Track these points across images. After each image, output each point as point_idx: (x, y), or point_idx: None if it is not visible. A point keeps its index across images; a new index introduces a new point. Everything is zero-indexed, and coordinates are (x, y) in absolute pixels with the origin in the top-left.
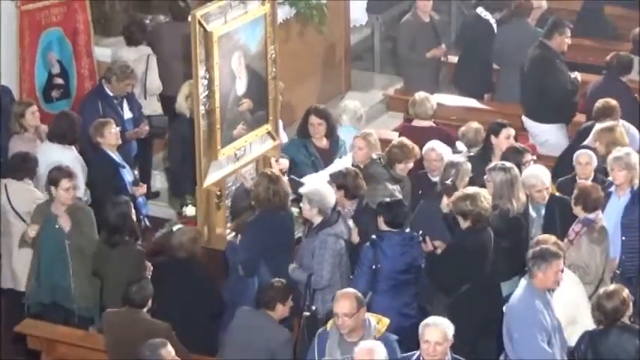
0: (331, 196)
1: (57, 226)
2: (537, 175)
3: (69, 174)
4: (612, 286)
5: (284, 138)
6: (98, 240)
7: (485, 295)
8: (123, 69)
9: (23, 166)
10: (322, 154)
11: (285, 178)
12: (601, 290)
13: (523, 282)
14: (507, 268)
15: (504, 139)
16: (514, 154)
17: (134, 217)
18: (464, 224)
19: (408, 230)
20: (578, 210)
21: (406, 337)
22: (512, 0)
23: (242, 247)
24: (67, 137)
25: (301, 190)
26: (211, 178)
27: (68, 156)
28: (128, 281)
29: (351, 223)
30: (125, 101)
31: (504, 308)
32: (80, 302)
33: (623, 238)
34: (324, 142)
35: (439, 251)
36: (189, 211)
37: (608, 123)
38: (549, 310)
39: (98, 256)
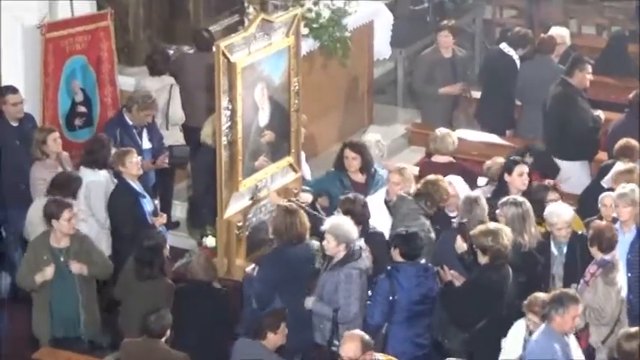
0: (354, 230)
1: (62, 259)
2: (559, 214)
3: (69, 204)
4: (633, 329)
5: (306, 170)
6: (126, 269)
7: (501, 332)
8: (144, 99)
9: (67, 186)
10: (357, 188)
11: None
12: (621, 331)
13: (542, 326)
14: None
15: (517, 176)
16: (539, 191)
17: (167, 252)
18: (482, 259)
19: (423, 261)
20: (594, 251)
21: None
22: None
23: (257, 280)
24: (99, 161)
25: (324, 227)
26: (232, 209)
27: (101, 179)
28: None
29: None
30: (145, 131)
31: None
32: (89, 330)
33: (629, 274)
34: (359, 176)
35: (456, 282)
36: (210, 241)
37: (627, 165)
38: (568, 352)
39: (125, 285)
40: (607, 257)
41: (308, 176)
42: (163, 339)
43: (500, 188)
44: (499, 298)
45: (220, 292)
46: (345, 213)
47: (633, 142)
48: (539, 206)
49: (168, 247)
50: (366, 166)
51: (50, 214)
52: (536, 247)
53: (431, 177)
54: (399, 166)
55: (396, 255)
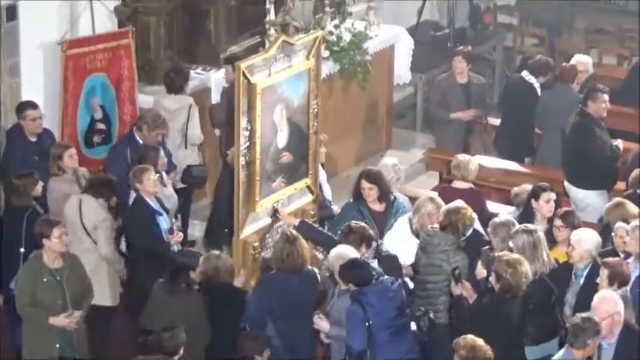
0: (352, 251)
1: (58, 279)
2: (578, 239)
3: (57, 222)
4: None
5: (327, 191)
6: (155, 292)
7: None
8: (155, 118)
9: (102, 186)
10: (377, 218)
11: None
12: None
13: (562, 351)
14: (534, 332)
15: (544, 203)
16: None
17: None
18: (495, 285)
19: (385, 277)
20: (604, 284)
21: None
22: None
23: (250, 303)
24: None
25: (325, 262)
26: (249, 229)
27: None
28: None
29: None
30: None
31: None
32: (82, 350)
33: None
34: (378, 205)
35: (466, 297)
36: None
37: (616, 199)
38: None
39: (155, 303)
40: (619, 292)
41: (329, 196)
42: (177, 357)
43: (526, 214)
44: (503, 329)
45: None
46: (349, 242)
47: None
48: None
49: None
50: (384, 195)
51: (40, 234)
52: (548, 274)
53: (451, 206)
54: (431, 195)
55: (352, 287)
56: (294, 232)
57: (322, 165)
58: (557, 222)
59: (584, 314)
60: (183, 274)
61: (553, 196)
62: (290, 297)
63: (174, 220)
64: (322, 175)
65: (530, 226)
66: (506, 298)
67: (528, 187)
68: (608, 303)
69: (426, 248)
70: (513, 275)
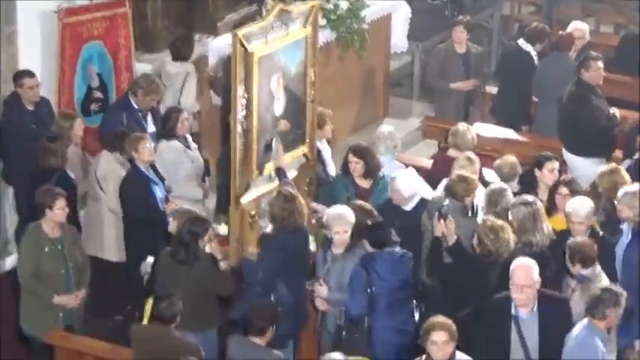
0: (349, 213)
1: (59, 247)
2: (574, 207)
3: (61, 193)
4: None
5: (331, 167)
6: (163, 256)
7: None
8: (149, 83)
9: (117, 140)
10: (361, 193)
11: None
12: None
13: (584, 322)
14: None
15: (548, 173)
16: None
17: (207, 238)
18: (476, 248)
19: (397, 249)
20: (575, 268)
21: (405, 353)
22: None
23: (260, 265)
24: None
25: (328, 221)
26: (246, 197)
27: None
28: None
29: None
30: (150, 115)
31: (565, 350)
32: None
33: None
34: (364, 182)
35: (450, 237)
36: (222, 229)
37: (610, 166)
38: (610, 348)
39: (162, 272)
40: (585, 272)
41: (332, 173)
42: (173, 325)
43: (529, 183)
44: (475, 291)
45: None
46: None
47: None
48: (552, 200)
49: (211, 232)
50: (371, 171)
51: (43, 204)
52: (548, 245)
53: (455, 174)
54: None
55: (366, 246)
56: (292, 190)
57: (328, 141)
58: (564, 190)
59: (607, 285)
60: (194, 243)
61: (557, 165)
62: (296, 252)
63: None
64: (327, 152)
65: (529, 198)
66: (484, 262)
67: (511, 158)
68: (526, 271)
69: (433, 214)
70: (494, 242)
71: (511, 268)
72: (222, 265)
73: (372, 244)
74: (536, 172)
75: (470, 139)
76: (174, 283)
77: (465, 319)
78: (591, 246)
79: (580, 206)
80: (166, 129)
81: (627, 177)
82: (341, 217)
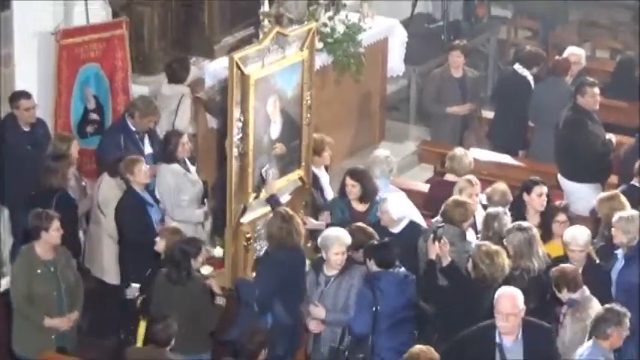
0: (346, 235)
1: (52, 270)
2: (573, 236)
3: (55, 215)
4: None
5: (329, 192)
6: (158, 277)
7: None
8: (146, 104)
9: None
10: (356, 218)
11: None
12: None
13: (590, 343)
14: None
15: (537, 197)
16: (550, 210)
17: (200, 259)
18: (472, 273)
19: (402, 269)
20: (562, 295)
21: None
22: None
23: (257, 285)
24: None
25: (324, 242)
26: (244, 219)
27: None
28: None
29: None
30: (147, 137)
31: None
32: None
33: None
34: (360, 205)
35: (444, 259)
36: (217, 252)
37: (610, 192)
38: None
39: (158, 297)
40: (575, 296)
41: (329, 197)
42: (168, 348)
43: (518, 207)
44: (472, 314)
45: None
46: (356, 247)
47: None
48: (548, 226)
49: (204, 252)
50: (367, 195)
51: (39, 227)
52: (545, 270)
53: (451, 199)
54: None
55: (372, 266)
56: (289, 210)
57: (326, 168)
58: (562, 217)
59: (609, 305)
60: (186, 262)
61: (545, 189)
62: (292, 271)
63: (202, 205)
64: (325, 178)
65: (524, 224)
66: (479, 286)
67: (502, 186)
68: (512, 300)
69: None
70: (489, 267)
71: (496, 296)
72: (218, 300)
73: (378, 263)
74: (525, 196)
75: (467, 163)
76: (169, 304)
77: (450, 348)
78: (574, 271)
79: (579, 234)
80: (167, 153)
81: (626, 203)
82: (338, 239)
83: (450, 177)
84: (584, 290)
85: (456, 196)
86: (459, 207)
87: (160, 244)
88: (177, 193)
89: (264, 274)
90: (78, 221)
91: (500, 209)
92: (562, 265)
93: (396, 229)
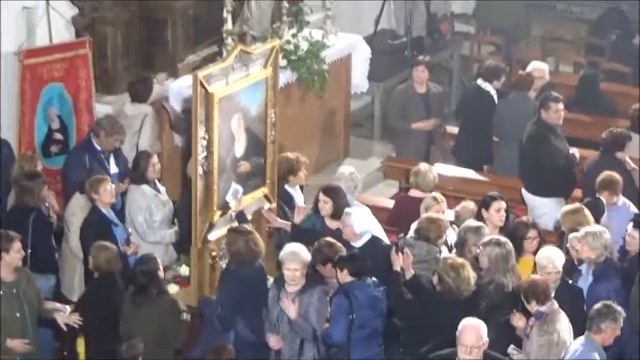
0: (307, 252)
1: (14, 291)
2: (550, 258)
3: (17, 236)
4: None
5: (300, 199)
6: (126, 299)
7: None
8: (112, 124)
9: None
10: (329, 235)
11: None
12: None
13: (581, 339)
14: (507, 344)
15: (495, 212)
16: (519, 227)
17: (161, 274)
18: (437, 286)
19: (374, 279)
20: (531, 306)
21: None
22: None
23: (218, 302)
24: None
25: (282, 257)
26: (211, 236)
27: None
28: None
29: None
30: (112, 156)
31: None
32: None
33: None
34: (333, 223)
35: (407, 271)
36: (183, 270)
37: (574, 205)
38: None
39: (126, 317)
40: (543, 309)
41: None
42: None
43: None
44: (441, 326)
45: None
46: (325, 263)
47: (616, 175)
48: (518, 243)
49: (162, 269)
50: (338, 212)
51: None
52: (518, 286)
53: (425, 216)
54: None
55: (344, 276)
56: (245, 226)
57: (301, 188)
58: (532, 233)
59: (607, 302)
60: (152, 281)
61: (504, 205)
62: (253, 288)
63: (172, 225)
64: (300, 198)
65: (502, 239)
66: (443, 300)
67: (471, 205)
68: (476, 332)
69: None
70: (455, 279)
71: (459, 327)
72: (184, 315)
73: (352, 273)
74: (484, 212)
75: (431, 178)
76: (136, 323)
77: None
78: (544, 283)
79: (556, 256)
80: (137, 174)
81: (590, 217)
82: (294, 255)
83: (414, 192)
84: (552, 303)
85: (429, 214)
86: (432, 224)
87: (91, 262)
88: (149, 215)
89: (225, 290)
90: (53, 240)
91: (478, 223)
92: (533, 276)
93: (357, 244)
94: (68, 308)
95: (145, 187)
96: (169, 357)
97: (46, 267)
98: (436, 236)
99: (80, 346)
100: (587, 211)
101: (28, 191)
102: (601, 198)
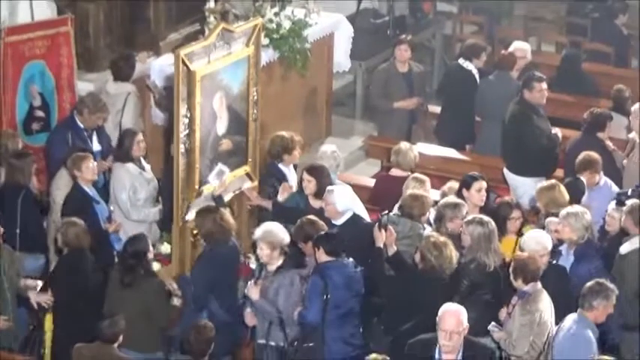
0: (286, 234)
1: None
2: (538, 240)
3: None
4: None
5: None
6: (112, 282)
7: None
8: (95, 101)
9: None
10: (313, 214)
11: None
12: None
13: (573, 316)
14: (488, 322)
15: (476, 192)
16: (503, 208)
17: (151, 255)
18: (419, 264)
19: (350, 260)
20: (518, 283)
21: None
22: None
23: (192, 282)
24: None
25: (255, 235)
26: (188, 216)
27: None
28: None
29: None
30: (95, 134)
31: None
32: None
33: None
34: (316, 202)
35: (390, 248)
36: (164, 248)
37: (549, 181)
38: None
39: (111, 296)
40: (526, 288)
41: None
42: (116, 344)
43: None
44: (423, 304)
45: None
46: (306, 240)
47: (595, 155)
48: (501, 223)
49: (152, 250)
50: (322, 192)
51: None
52: (500, 265)
53: (409, 193)
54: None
55: (321, 255)
56: (210, 205)
57: (295, 167)
58: (516, 213)
59: (600, 280)
60: (141, 261)
61: (484, 184)
62: (227, 267)
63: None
64: (293, 177)
65: (485, 218)
66: (425, 278)
67: (455, 185)
68: (456, 317)
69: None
70: (438, 258)
71: (440, 313)
72: (175, 301)
73: (328, 252)
74: (464, 192)
75: (412, 157)
76: (122, 304)
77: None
78: (535, 263)
79: (544, 239)
80: (122, 152)
81: (565, 194)
82: (264, 234)
83: (395, 171)
84: (536, 283)
85: (413, 191)
86: (416, 201)
87: (59, 238)
88: (133, 193)
89: (198, 270)
90: (42, 218)
91: (458, 199)
92: (526, 254)
93: (338, 222)
94: (39, 283)
95: (130, 165)
96: (155, 337)
97: (34, 246)
98: (420, 213)
99: (48, 321)
100: (562, 188)
101: (18, 170)
102: (581, 178)
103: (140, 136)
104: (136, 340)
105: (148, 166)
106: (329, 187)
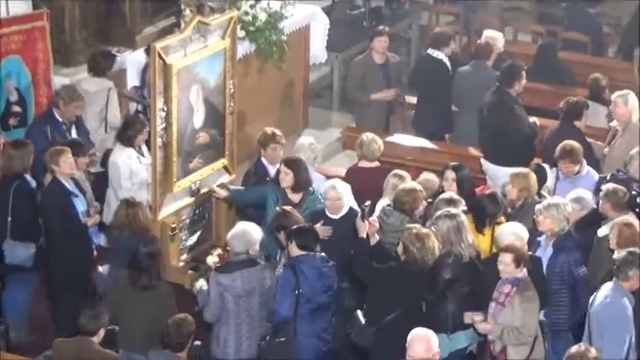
0: (258, 233)
1: None
2: (516, 232)
3: None
4: (582, 347)
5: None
6: (121, 281)
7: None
8: (69, 92)
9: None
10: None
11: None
12: (573, 349)
13: (610, 284)
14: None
15: (444, 182)
16: (493, 206)
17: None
18: (402, 256)
19: (322, 254)
20: (509, 269)
21: None
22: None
23: (108, 275)
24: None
25: (229, 236)
26: (166, 210)
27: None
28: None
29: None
30: (74, 127)
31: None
32: None
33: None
34: (293, 195)
35: (372, 237)
36: None
37: (522, 169)
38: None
39: (121, 297)
40: (519, 275)
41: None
42: (96, 338)
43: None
44: (406, 295)
45: None
46: (279, 230)
47: (575, 144)
48: (484, 217)
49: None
50: (299, 185)
51: None
52: (475, 255)
53: (402, 186)
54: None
55: (293, 249)
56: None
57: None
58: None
59: (631, 249)
60: (154, 263)
61: (453, 175)
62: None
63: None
64: (273, 171)
65: (452, 210)
66: (407, 269)
67: (430, 175)
68: (426, 343)
69: (381, 226)
70: (420, 250)
71: (409, 339)
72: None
73: (300, 246)
74: (444, 182)
75: (375, 147)
76: (133, 309)
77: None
78: (524, 247)
79: (520, 230)
80: (125, 136)
81: (535, 184)
82: (245, 234)
83: (362, 163)
84: (525, 270)
85: (407, 184)
86: (408, 195)
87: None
88: (129, 176)
89: (111, 262)
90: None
91: (454, 195)
92: (512, 242)
93: (336, 216)
94: None
95: (130, 150)
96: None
97: (26, 235)
98: (412, 207)
99: None
100: (533, 176)
101: (17, 159)
102: (543, 165)
103: (146, 129)
104: (148, 344)
105: (147, 153)
106: (329, 182)
